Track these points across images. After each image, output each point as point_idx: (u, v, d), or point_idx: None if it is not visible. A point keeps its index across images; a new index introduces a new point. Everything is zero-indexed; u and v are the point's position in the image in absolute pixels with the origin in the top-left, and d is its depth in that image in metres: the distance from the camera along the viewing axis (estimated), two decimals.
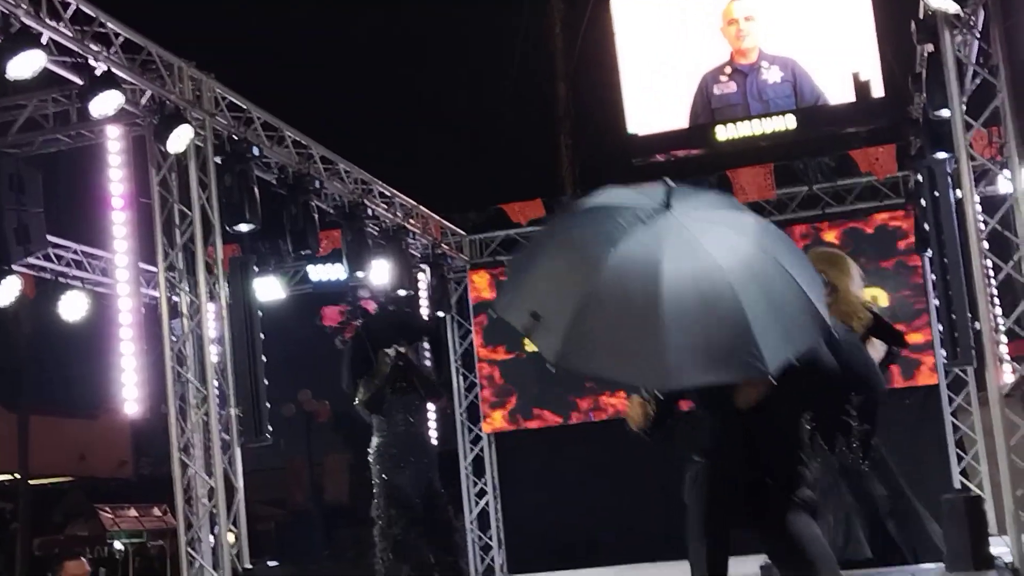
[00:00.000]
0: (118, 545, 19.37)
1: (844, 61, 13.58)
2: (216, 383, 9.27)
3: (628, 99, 14.07)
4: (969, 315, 8.56)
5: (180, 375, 9.29)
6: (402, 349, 9.88)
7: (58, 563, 7.36)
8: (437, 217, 13.78)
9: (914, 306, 13.37)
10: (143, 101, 9.16)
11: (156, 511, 23.32)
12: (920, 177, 11.25)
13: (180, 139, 9.02)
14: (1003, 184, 8.58)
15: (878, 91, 13.28)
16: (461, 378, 14.53)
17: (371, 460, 9.79)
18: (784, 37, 13.89)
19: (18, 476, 21.36)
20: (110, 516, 21.74)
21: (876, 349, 8.29)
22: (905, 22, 12.28)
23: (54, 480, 23.23)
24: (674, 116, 13.85)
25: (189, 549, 9.01)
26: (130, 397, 9.51)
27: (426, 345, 12.36)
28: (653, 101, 14.11)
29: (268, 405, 9.41)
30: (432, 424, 14.25)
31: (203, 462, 9.25)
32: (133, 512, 22.80)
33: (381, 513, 9.64)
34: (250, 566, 8.86)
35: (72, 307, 12.44)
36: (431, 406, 11.82)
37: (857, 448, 8.11)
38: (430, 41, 16.77)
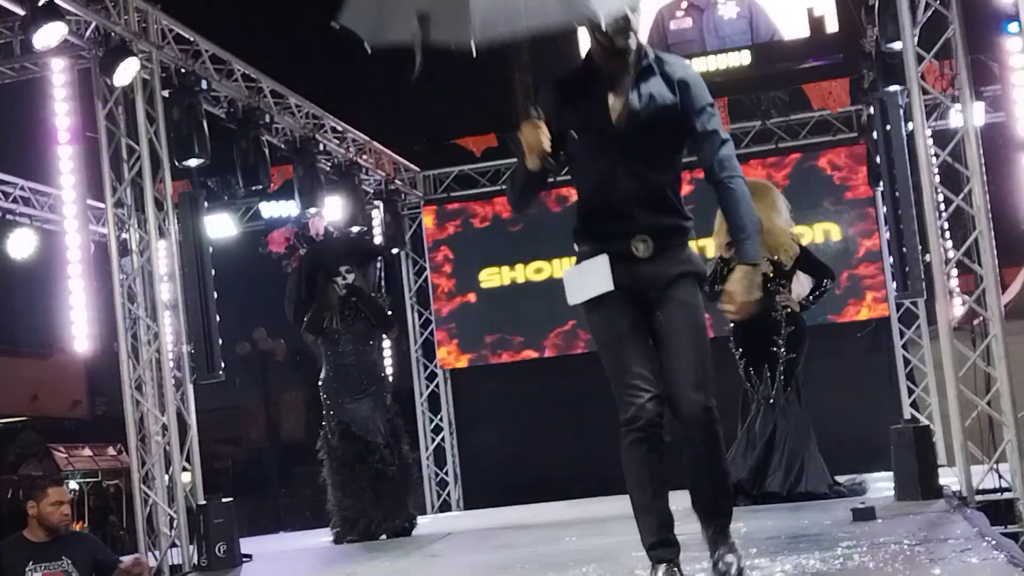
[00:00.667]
0: (73, 484, 19.32)
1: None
2: (168, 320, 9.17)
3: (583, 37, 13.98)
4: (920, 248, 8.60)
5: (131, 312, 9.20)
6: (350, 276, 9.38)
7: (40, 490, 7.28)
8: (390, 153, 13.68)
9: (862, 240, 13.50)
10: (88, 33, 8.98)
11: (111, 450, 23.25)
12: (872, 110, 11.27)
13: (126, 72, 8.85)
14: (954, 117, 8.58)
15: (832, 26, 13.26)
16: (416, 315, 14.52)
17: (321, 394, 9.46)
18: None
19: None
20: (64, 456, 21.65)
21: (802, 284, 8.67)
22: None
23: (6, 420, 23.04)
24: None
25: (143, 486, 8.98)
26: (80, 335, 9.45)
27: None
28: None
29: (220, 341, 9.31)
30: (387, 358, 14.28)
31: (156, 399, 9.19)
32: (87, 452, 22.74)
33: (330, 449, 9.31)
34: (203, 502, 8.81)
35: (20, 244, 12.34)
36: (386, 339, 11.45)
37: (781, 379, 8.47)
38: None
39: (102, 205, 10.47)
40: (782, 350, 8.50)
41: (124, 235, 9.34)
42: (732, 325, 8.49)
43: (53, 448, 22.03)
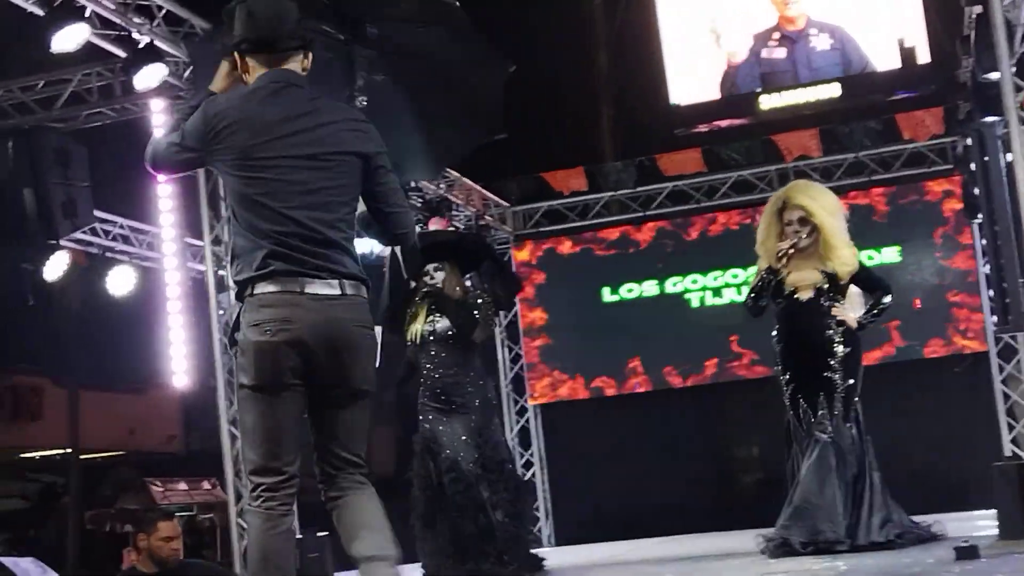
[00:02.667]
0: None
1: (890, 27, 13.46)
2: None
3: (670, 69, 14.02)
4: (1021, 280, 8.43)
5: (227, 348, 9.32)
6: (438, 275, 8.00)
7: (151, 524, 7.44)
8: (480, 188, 13.75)
9: (958, 272, 13.30)
10: (186, 74, 9.18)
11: (206, 484, 23.55)
12: (969, 141, 11.11)
13: None
14: None
15: (924, 57, 13.16)
16: (506, 350, 14.53)
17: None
18: (829, 3, 13.77)
19: (69, 450, 21.60)
20: (160, 490, 21.96)
21: (853, 302, 7.55)
22: None
23: (104, 454, 23.47)
24: (716, 86, 13.79)
25: (240, 520, 9.06)
26: (179, 370, 9.60)
27: None
28: (695, 71, 14.05)
29: None
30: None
31: None
32: (183, 486, 23.03)
33: (414, 468, 8.12)
34: (299, 536, 8.88)
35: (120, 281, 12.54)
36: None
37: (840, 410, 7.23)
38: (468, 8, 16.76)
39: (200, 243, 10.68)
40: (837, 376, 7.28)
41: (221, 271, 9.48)
42: (779, 343, 7.43)
43: (150, 482, 22.37)
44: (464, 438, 7.96)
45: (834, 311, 7.35)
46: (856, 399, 7.40)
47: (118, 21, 8.28)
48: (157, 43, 8.52)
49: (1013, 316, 8.35)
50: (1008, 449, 12.24)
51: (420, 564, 8.01)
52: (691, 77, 13.97)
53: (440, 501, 7.89)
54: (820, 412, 7.26)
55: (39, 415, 21.45)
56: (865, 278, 7.56)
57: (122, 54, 8.56)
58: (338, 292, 3.93)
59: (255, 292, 3.93)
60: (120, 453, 23.62)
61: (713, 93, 13.70)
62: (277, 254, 3.90)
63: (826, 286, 7.34)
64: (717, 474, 13.82)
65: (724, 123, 13.81)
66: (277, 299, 3.88)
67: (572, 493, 14.18)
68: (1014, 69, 8.31)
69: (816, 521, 7.12)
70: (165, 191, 9.63)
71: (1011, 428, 12.65)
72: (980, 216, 12.07)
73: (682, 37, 14.12)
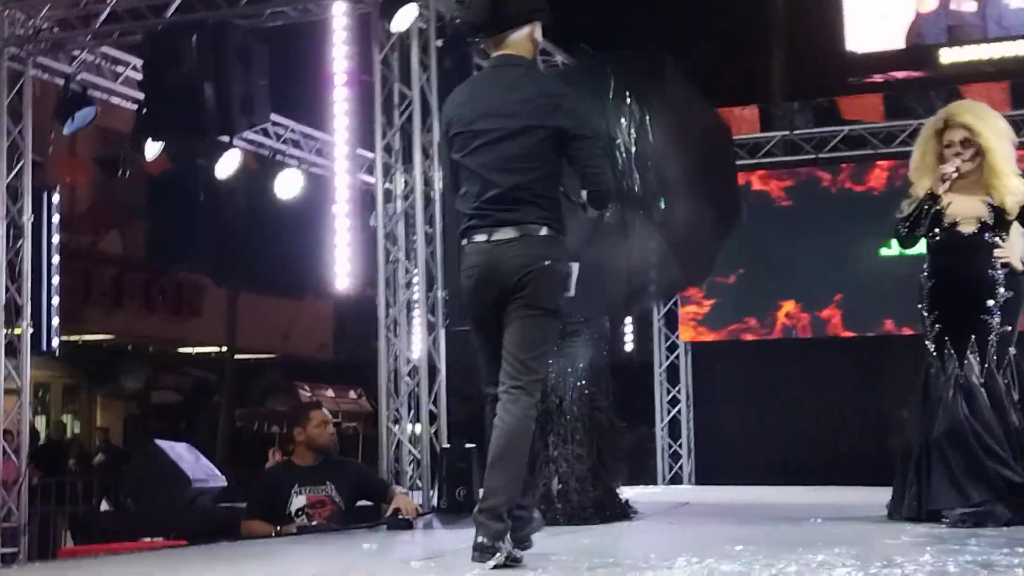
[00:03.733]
0: None
1: None
2: (425, 265, 9.33)
3: (848, 14, 13.62)
4: None
5: (390, 254, 9.38)
6: None
7: (304, 415, 7.65)
8: None
9: None
10: None
11: (352, 394, 24.07)
12: None
13: (404, 18, 9.03)
14: None
15: None
16: None
17: None
18: None
19: (224, 349, 22.22)
20: (308, 394, 22.53)
21: (1015, 243, 6.60)
22: None
23: (258, 356, 24.07)
24: (894, 36, 13.36)
25: (390, 424, 9.15)
26: (341, 272, 9.63)
27: None
28: (874, 18, 13.61)
29: None
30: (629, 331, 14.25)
31: (407, 341, 9.37)
32: (330, 392, 23.59)
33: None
34: (447, 446, 8.95)
35: (288, 185, 12.74)
36: None
37: (994, 357, 6.33)
38: None
39: (368, 154, 10.75)
40: (995, 320, 6.33)
41: (388, 185, 9.51)
42: (930, 280, 6.46)
43: (298, 386, 22.92)
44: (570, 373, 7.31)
45: (997, 251, 6.42)
46: (1012, 350, 6.46)
47: None
48: None
49: None
50: None
51: None
52: (872, 25, 13.54)
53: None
54: (970, 356, 6.29)
55: (199, 312, 22.10)
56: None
57: None
58: (514, 235, 4.75)
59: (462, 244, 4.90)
60: (272, 356, 24.22)
61: (894, 42, 13.26)
62: (471, 215, 4.86)
63: (991, 220, 6.35)
64: (873, 431, 13.45)
65: (901, 74, 13.36)
66: (471, 249, 4.84)
67: (717, 433, 14.04)
68: None
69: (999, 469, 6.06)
70: (340, 95, 9.62)
71: None
72: None
73: None
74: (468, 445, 8.82)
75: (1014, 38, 13.14)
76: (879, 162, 13.48)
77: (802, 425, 13.39)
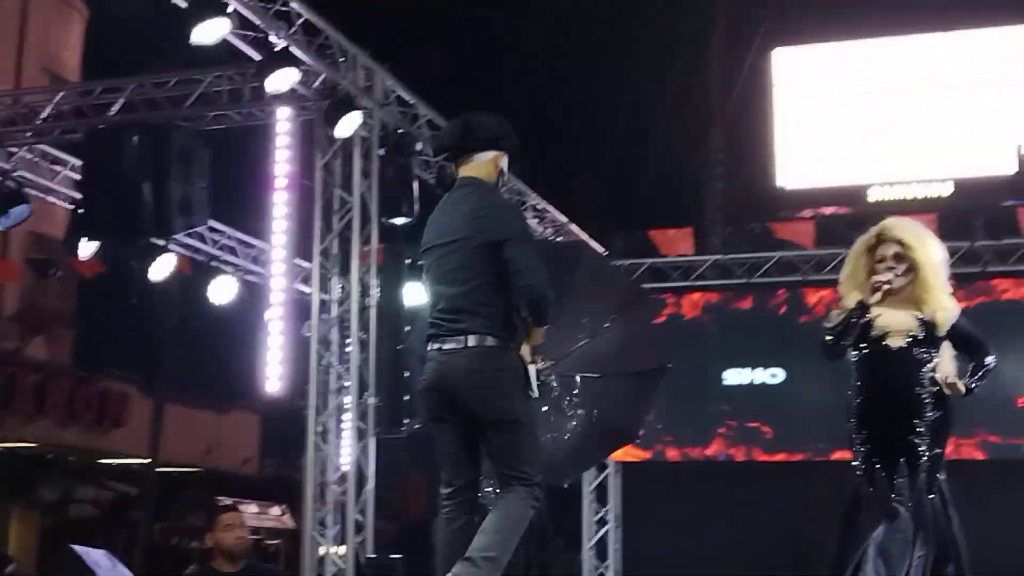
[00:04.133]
0: None
1: (1010, 132, 13.37)
2: (357, 371, 9.26)
3: (780, 152, 14.12)
4: None
5: (323, 359, 9.32)
6: None
7: (214, 519, 7.33)
8: (587, 237, 13.69)
9: None
10: (315, 84, 9.27)
11: (275, 510, 23.64)
12: None
13: (348, 125, 9.11)
14: None
15: None
16: None
17: None
18: (949, 100, 13.70)
19: (147, 461, 21.75)
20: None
21: (945, 361, 6.32)
22: None
23: (180, 469, 23.59)
24: (826, 173, 13.80)
25: (314, 532, 8.98)
26: (272, 376, 9.54)
27: None
28: (805, 156, 14.06)
29: (407, 398, 9.37)
30: None
31: (336, 448, 9.27)
32: (253, 508, 23.13)
33: None
34: (373, 556, 8.80)
35: (222, 291, 12.64)
36: None
37: (923, 482, 6.06)
38: (600, 63, 16.89)
39: (305, 264, 10.71)
40: (924, 442, 6.06)
41: (324, 294, 9.48)
42: (858, 396, 6.20)
43: (220, 501, 22.43)
44: None
45: (926, 369, 6.10)
46: (940, 474, 6.18)
47: (257, 22, 8.37)
48: (292, 49, 8.61)
49: None
50: None
51: None
52: (801, 163, 14.01)
53: None
54: (899, 480, 6.03)
55: (122, 422, 21.67)
56: (964, 335, 6.22)
57: (257, 56, 8.64)
58: (458, 346, 4.97)
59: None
60: (196, 470, 23.76)
61: (823, 179, 13.70)
62: (430, 325, 5.13)
63: (921, 335, 6.10)
64: (797, 557, 13.43)
65: (829, 211, 13.73)
66: (429, 356, 5.10)
67: (644, 556, 13.93)
68: None
69: None
70: (281, 198, 9.64)
71: None
72: None
73: (795, 123, 14.18)
74: (393, 556, 8.70)
75: (942, 180, 13.64)
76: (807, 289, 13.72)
77: (729, 547, 13.32)
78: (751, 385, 13.86)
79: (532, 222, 12.51)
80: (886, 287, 6.09)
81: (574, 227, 13.33)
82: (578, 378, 7.60)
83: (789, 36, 15.31)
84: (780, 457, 13.56)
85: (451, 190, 5.29)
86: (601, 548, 14.21)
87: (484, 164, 5.15)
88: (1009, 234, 12.96)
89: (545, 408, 7.06)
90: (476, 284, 4.99)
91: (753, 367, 13.81)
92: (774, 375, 13.81)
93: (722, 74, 19.29)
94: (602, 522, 14.22)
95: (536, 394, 5.04)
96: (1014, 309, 12.89)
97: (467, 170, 5.17)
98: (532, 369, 5.01)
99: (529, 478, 4.94)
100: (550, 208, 12.80)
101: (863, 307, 6.09)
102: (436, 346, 5.05)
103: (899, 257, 6.14)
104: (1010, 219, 13.06)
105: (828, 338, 6.16)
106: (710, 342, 13.86)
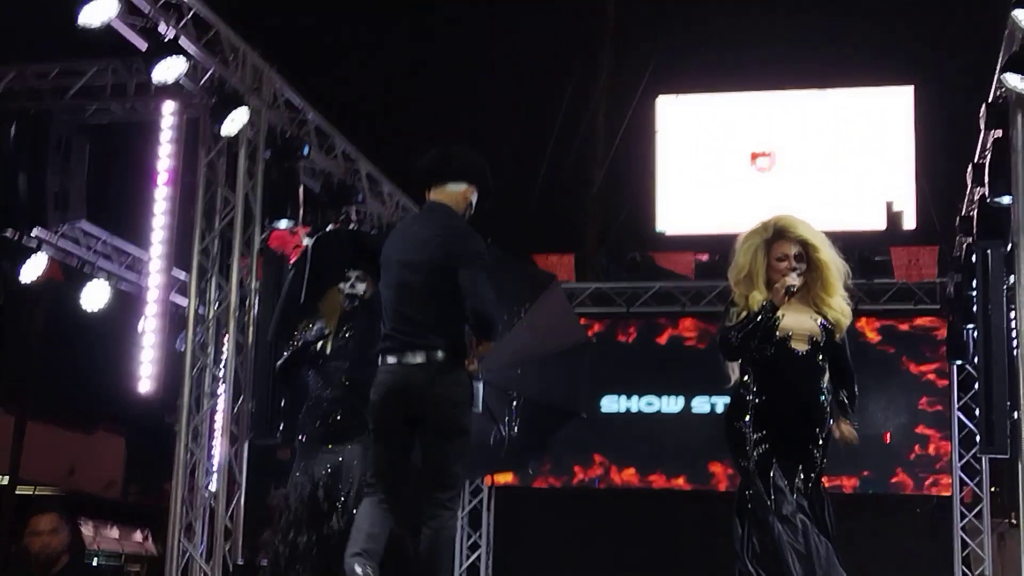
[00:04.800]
0: (96, 563, 19.05)
1: (878, 188, 13.84)
2: (233, 375, 9.07)
3: (660, 197, 14.39)
4: (1008, 403, 8.37)
5: (198, 361, 9.11)
6: (360, 286, 6.63)
7: (22, 523, 6.75)
8: None
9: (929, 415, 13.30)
10: (203, 80, 9.10)
11: (137, 536, 23.00)
12: (960, 278, 11.29)
13: (235, 123, 8.95)
14: None
15: (910, 223, 13.49)
16: None
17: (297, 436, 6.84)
18: (823, 157, 14.10)
19: (5, 482, 21.02)
20: (91, 533, 21.41)
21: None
22: (944, 159, 12.60)
23: (40, 490, 22.84)
24: (704, 220, 14.06)
25: (183, 539, 8.72)
26: (144, 375, 9.24)
27: None
28: (685, 203, 14.33)
29: (283, 404, 9.17)
30: None
31: (207, 452, 9.05)
32: (115, 533, 22.50)
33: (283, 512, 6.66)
34: (241, 563, 8.58)
35: (93, 297, 12.27)
36: None
37: (813, 490, 5.95)
38: (492, 86, 16.94)
39: (181, 274, 10.44)
40: (819, 452, 5.92)
41: (198, 304, 9.27)
42: (757, 397, 5.99)
43: (80, 523, 21.77)
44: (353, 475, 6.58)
45: (825, 378, 5.95)
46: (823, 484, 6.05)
47: (146, 9, 8.17)
48: (181, 42, 8.43)
49: (998, 436, 8.25)
50: None
51: None
52: (680, 209, 14.28)
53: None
54: (796, 485, 5.88)
55: None
56: (844, 352, 6.06)
57: (144, 45, 8.41)
58: (421, 360, 5.39)
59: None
60: (56, 491, 23.04)
61: (701, 226, 13.96)
62: (385, 338, 5.56)
63: (823, 340, 5.96)
64: None
65: (705, 257, 13.94)
66: (382, 369, 5.52)
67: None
68: None
69: None
70: (162, 193, 9.39)
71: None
72: (960, 360, 12.24)
73: (676, 169, 14.49)
74: (263, 563, 8.47)
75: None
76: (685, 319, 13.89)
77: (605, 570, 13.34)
78: (627, 413, 13.95)
79: None
80: (793, 290, 5.86)
81: None
82: (514, 371, 7.58)
83: (675, 83, 15.57)
84: (656, 482, 13.66)
85: (420, 211, 5.75)
86: (473, 573, 14.08)
87: (454, 194, 5.55)
88: (880, 274, 13.30)
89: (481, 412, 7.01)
90: (435, 303, 5.39)
91: (629, 395, 13.92)
92: (650, 403, 13.94)
93: (607, 112, 19.53)
94: (474, 547, 14.11)
95: (479, 409, 5.70)
96: (875, 351, 13.26)
97: (438, 195, 5.55)
98: (478, 386, 5.61)
99: (455, 495, 5.49)
100: None
101: (773, 308, 5.89)
102: (394, 359, 5.44)
103: (800, 257, 5.93)
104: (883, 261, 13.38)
105: (734, 338, 5.93)
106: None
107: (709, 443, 12.69)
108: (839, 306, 5.90)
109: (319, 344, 6.66)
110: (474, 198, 5.58)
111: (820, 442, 5.86)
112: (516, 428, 7.46)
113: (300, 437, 6.66)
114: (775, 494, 5.81)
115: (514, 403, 7.50)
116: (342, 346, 6.60)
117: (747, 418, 5.93)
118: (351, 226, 8.80)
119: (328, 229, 7.87)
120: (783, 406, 5.89)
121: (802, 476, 5.86)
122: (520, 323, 7.48)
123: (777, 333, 5.89)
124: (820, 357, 5.92)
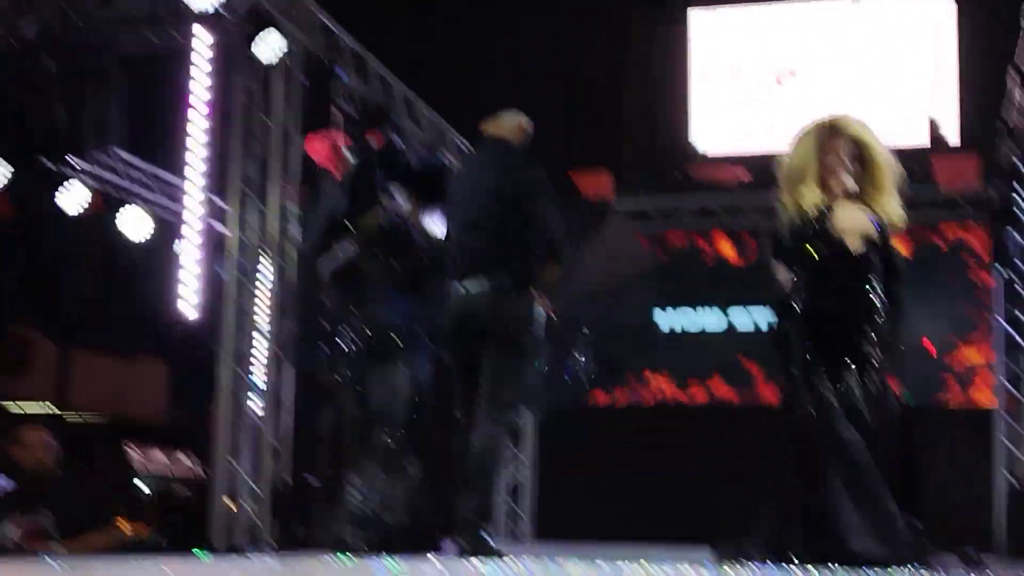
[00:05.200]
0: (143, 487, 19.33)
1: (918, 104, 13.59)
2: (276, 299, 9.13)
3: (695, 115, 14.26)
4: None
5: (241, 286, 9.16)
6: (403, 202, 6.51)
7: (11, 436, 6.87)
8: None
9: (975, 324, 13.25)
10: (237, 6, 9.06)
11: (185, 459, 23.26)
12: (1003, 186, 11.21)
13: (271, 48, 8.94)
14: None
15: (953, 138, 13.27)
16: None
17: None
18: (862, 73, 13.86)
19: (54, 409, 21.34)
20: (140, 458, 21.69)
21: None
22: (990, 73, 12.40)
23: (88, 416, 23.20)
24: (741, 140, 13.91)
25: (228, 457, 8.83)
26: (188, 299, 9.26)
27: None
28: (720, 121, 14.19)
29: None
30: None
31: (248, 372, 9.14)
32: (162, 457, 22.77)
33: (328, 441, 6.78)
34: (290, 482, 8.71)
35: (136, 226, 12.38)
36: None
37: (878, 390, 5.58)
38: (530, 14, 16.78)
39: (220, 203, 10.45)
40: (875, 352, 5.59)
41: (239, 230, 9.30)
42: (808, 296, 5.63)
43: (128, 447, 22.11)
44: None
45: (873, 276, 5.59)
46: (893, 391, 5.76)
47: None
48: None
49: None
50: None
51: None
52: (716, 126, 14.14)
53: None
54: (852, 386, 5.48)
55: (26, 370, 21.18)
56: (895, 254, 5.79)
57: None
58: (483, 288, 5.85)
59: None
60: (103, 417, 23.37)
61: (739, 146, 13.81)
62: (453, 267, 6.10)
63: (878, 240, 5.64)
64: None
65: (746, 178, 13.85)
66: (453, 295, 6.00)
67: (558, 491, 14.01)
68: None
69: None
70: (200, 124, 9.34)
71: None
72: (1006, 266, 12.14)
73: (711, 86, 14.28)
74: (313, 482, 8.58)
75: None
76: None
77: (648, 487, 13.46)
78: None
79: (452, 159, 12.42)
80: (850, 194, 5.62)
81: None
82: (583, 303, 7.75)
83: None
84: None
85: (478, 148, 6.20)
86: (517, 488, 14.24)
87: (510, 126, 6.01)
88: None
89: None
90: (502, 235, 5.78)
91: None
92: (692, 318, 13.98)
93: (640, 27, 19.29)
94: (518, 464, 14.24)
95: (542, 334, 5.92)
96: (916, 260, 13.18)
97: (495, 128, 6.02)
98: (541, 310, 5.85)
99: (508, 411, 5.95)
100: (470, 147, 12.70)
101: (827, 211, 5.61)
102: (463, 290, 5.87)
103: (855, 158, 5.71)
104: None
105: (786, 241, 5.68)
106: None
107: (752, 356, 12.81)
108: (893, 208, 5.69)
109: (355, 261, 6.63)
110: (530, 127, 5.95)
111: (874, 339, 5.56)
112: (586, 361, 7.53)
113: (341, 359, 6.71)
114: (824, 406, 5.47)
115: (583, 335, 7.52)
116: (379, 267, 6.55)
117: (795, 322, 5.62)
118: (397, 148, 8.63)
119: (373, 148, 7.63)
120: (834, 307, 5.59)
121: (857, 377, 5.54)
122: (584, 256, 7.60)
123: (830, 233, 5.62)
124: (874, 256, 5.64)
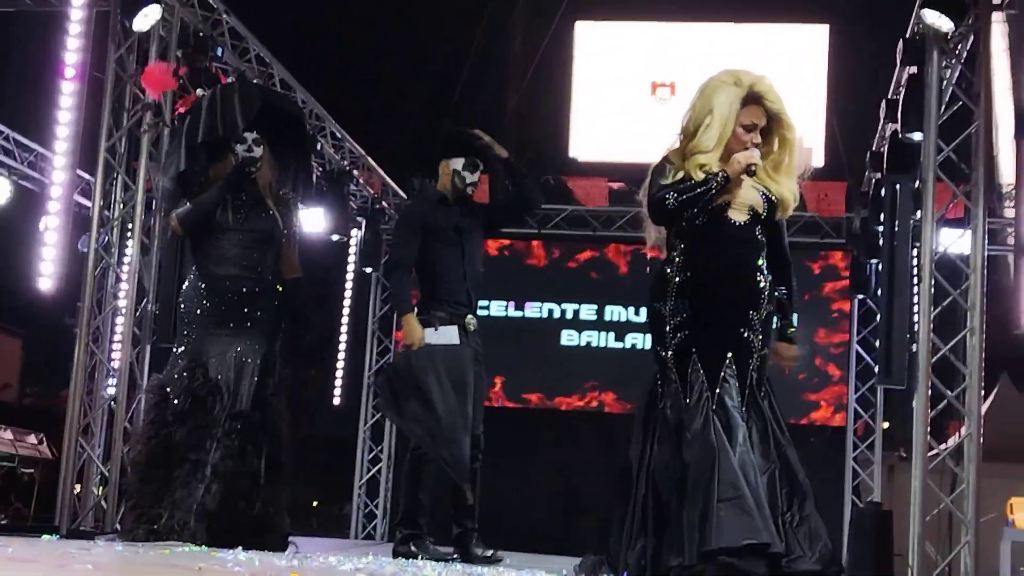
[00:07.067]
0: None
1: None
2: (137, 277, 8.89)
3: (575, 123, 14.35)
4: (907, 336, 8.54)
5: (102, 260, 8.92)
6: (257, 149, 6.10)
7: None
8: (382, 172, 13.54)
9: (829, 347, 13.56)
10: None
11: (32, 439, 22.63)
12: (865, 213, 11.49)
13: (147, 18, 8.69)
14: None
15: (819, 160, 13.57)
16: (376, 341, 14.27)
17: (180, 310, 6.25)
18: None
19: None
20: None
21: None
22: (853, 99, 12.68)
23: None
24: (616, 148, 14.05)
25: (80, 439, 8.59)
26: (45, 272, 8.93)
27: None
28: (598, 130, 14.29)
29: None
30: (339, 378, 13.95)
31: (108, 354, 8.90)
32: (8, 435, 22.11)
33: (161, 397, 6.01)
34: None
35: None
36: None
37: (753, 380, 5.00)
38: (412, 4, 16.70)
39: (86, 176, 10.17)
40: (757, 337, 5.03)
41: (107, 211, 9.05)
42: (683, 272, 5.06)
43: None
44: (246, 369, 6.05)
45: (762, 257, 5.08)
46: (767, 380, 5.08)
47: None
48: None
49: (896, 369, 8.42)
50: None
51: None
52: (594, 134, 14.25)
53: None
54: (728, 377, 4.93)
55: None
56: (783, 234, 5.23)
57: None
58: None
59: None
60: None
61: (614, 153, 13.94)
62: None
63: (764, 214, 5.08)
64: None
65: (615, 185, 13.99)
66: None
67: None
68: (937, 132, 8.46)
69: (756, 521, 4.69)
70: (68, 89, 8.97)
71: (854, 506, 12.83)
72: (862, 293, 12.45)
73: (591, 96, 14.39)
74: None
75: None
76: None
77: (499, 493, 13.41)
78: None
79: (329, 151, 12.30)
80: (753, 171, 5.02)
81: (371, 160, 13.16)
82: None
83: (595, 8, 15.44)
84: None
85: None
86: (372, 486, 14.12)
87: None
88: None
89: None
90: None
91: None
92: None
93: (525, 35, 19.33)
94: (375, 460, 14.13)
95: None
96: None
97: None
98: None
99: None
100: (348, 139, 12.59)
101: (726, 181, 4.99)
102: None
103: (764, 131, 5.12)
104: None
105: (671, 199, 4.99)
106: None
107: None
108: (789, 186, 5.12)
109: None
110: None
111: (756, 326, 5.02)
112: None
113: (185, 319, 6.08)
114: (694, 386, 4.95)
115: None
116: (238, 218, 6.03)
117: (669, 297, 5.07)
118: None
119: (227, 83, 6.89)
120: (712, 282, 5.03)
121: (735, 367, 4.96)
122: None
123: (715, 200, 5.03)
124: (759, 231, 5.08)
